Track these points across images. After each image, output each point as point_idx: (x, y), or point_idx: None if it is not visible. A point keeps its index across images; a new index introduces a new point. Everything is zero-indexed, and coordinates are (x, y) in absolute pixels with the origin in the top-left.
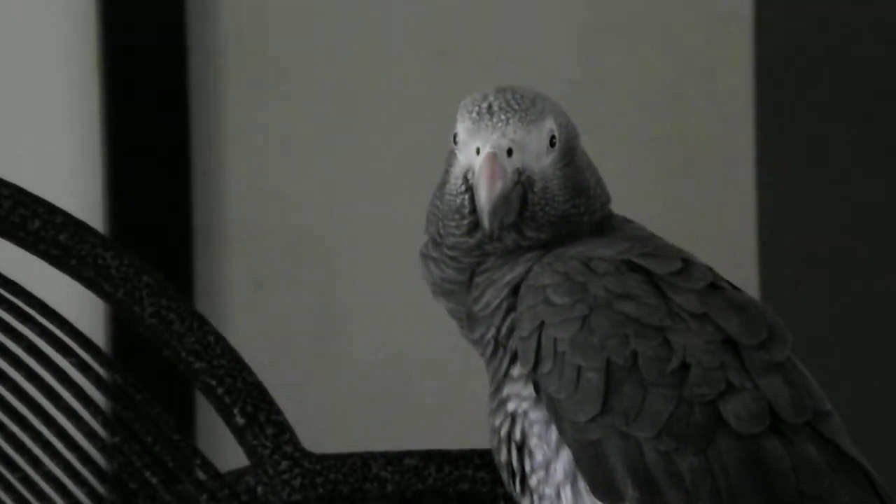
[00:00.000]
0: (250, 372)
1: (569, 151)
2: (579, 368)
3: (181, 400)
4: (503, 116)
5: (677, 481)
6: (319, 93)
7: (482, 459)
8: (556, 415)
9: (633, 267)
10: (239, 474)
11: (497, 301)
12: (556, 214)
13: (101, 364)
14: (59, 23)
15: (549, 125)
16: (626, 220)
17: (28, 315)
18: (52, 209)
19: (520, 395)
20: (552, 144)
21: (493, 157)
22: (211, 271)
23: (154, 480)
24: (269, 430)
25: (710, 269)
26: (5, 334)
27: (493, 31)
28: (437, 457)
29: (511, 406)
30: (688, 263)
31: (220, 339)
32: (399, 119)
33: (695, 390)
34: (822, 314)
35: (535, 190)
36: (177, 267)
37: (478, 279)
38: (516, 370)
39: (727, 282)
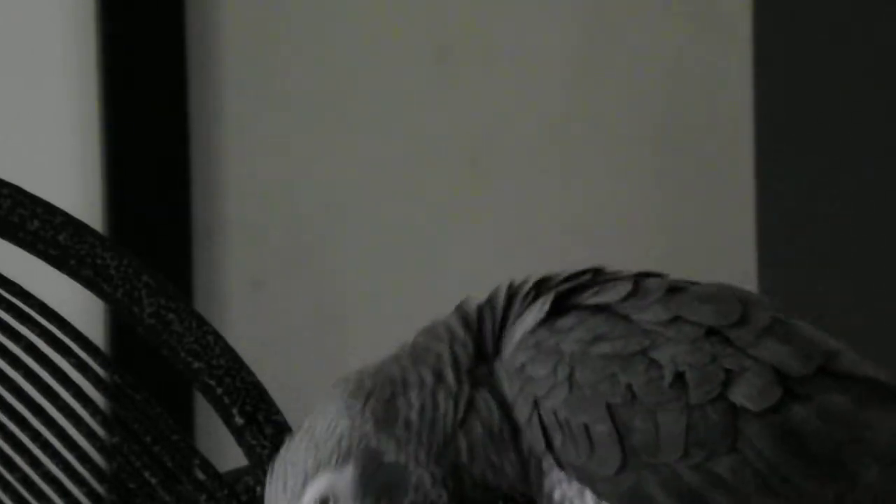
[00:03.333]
0: (249, 372)
1: (365, 490)
2: (586, 427)
3: (180, 400)
4: None
5: (722, 486)
6: (319, 92)
7: None
8: (588, 479)
9: (593, 311)
10: (238, 474)
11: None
12: None
13: (100, 364)
14: (57, 21)
15: (313, 495)
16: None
17: (27, 315)
18: (51, 209)
19: (558, 480)
20: None
21: None
22: (210, 271)
23: (153, 480)
24: (268, 430)
25: (665, 276)
26: (4, 334)
27: (493, 32)
28: None
29: (557, 495)
30: (637, 281)
31: (219, 338)
32: (399, 119)
33: (698, 392)
34: (821, 314)
35: None
36: (176, 267)
37: None
38: (545, 462)
39: (688, 281)
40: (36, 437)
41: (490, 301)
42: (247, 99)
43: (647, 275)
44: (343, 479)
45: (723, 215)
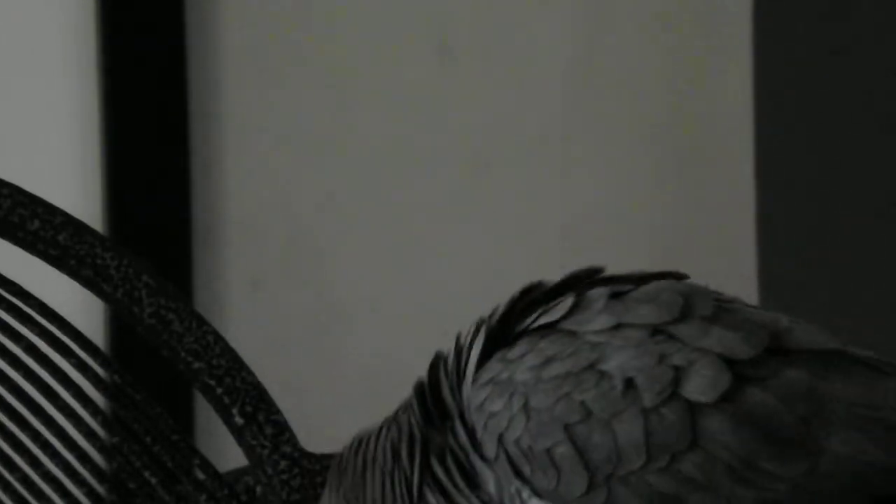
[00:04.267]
0: (249, 372)
1: None
2: (548, 452)
3: (180, 400)
4: None
5: (693, 485)
6: (319, 92)
7: None
8: (563, 503)
9: (542, 333)
10: (238, 474)
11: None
12: None
13: (100, 364)
14: (58, 22)
15: None
16: None
17: (27, 315)
18: (51, 209)
19: None
20: None
21: None
22: (209, 271)
23: (153, 480)
24: (268, 430)
25: (609, 277)
26: (4, 334)
27: (494, 32)
28: None
29: None
30: (580, 293)
31: (218, 338)
32: (399, 118)
33: (650, 395)
34: (821, 315)
35: None
36: (175, 267)
37: None
38: (525, 494)
39: (635, 278)
40: (36, 436)
41: (445, 355)
42: (246, 99)
43: (592, 276)
44: None
45: (723, 216)
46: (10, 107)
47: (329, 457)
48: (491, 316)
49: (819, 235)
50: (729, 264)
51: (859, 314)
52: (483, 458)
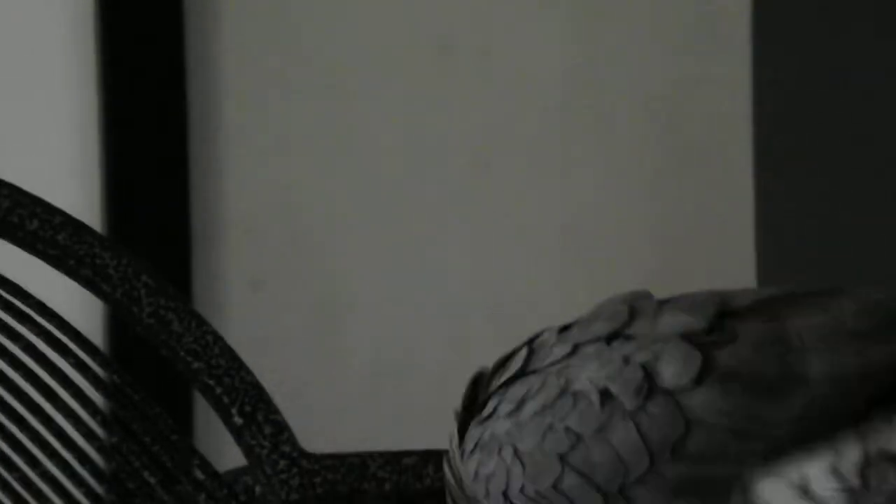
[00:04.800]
0: (248, 371)
1: None
2: (555, 487)
3: (179, 400)
4: None
5: (704, 459)
6: (318, 91)
7: None
8: None
9: (506, 383)
10: (237, 474)
11: None
12: None
13: (100, 364)
14: (57, 22)
15: None
16: None
17: (26, 315)
18: (50, 209)
19: None
20: None
21: None
22: (209, 271)
23: (152, 480)
24: (267, 430)
25: (553, 327)
26: (3, 334)
27: (494, 31)
28: (436, 456)
29: None
30: (531, 342)
31: (218, 338)
32: (399, 117)
33: (628, 399)
34: None
35: None
36: (175, 266)
37: None
38: None
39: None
40: (35, 436)
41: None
42: (246, 99)
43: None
44: None
45: (722, 216)
46: (10, 107)
47: (328, 457)
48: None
49: (818, 237)
50: (728, 265)
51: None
52: None
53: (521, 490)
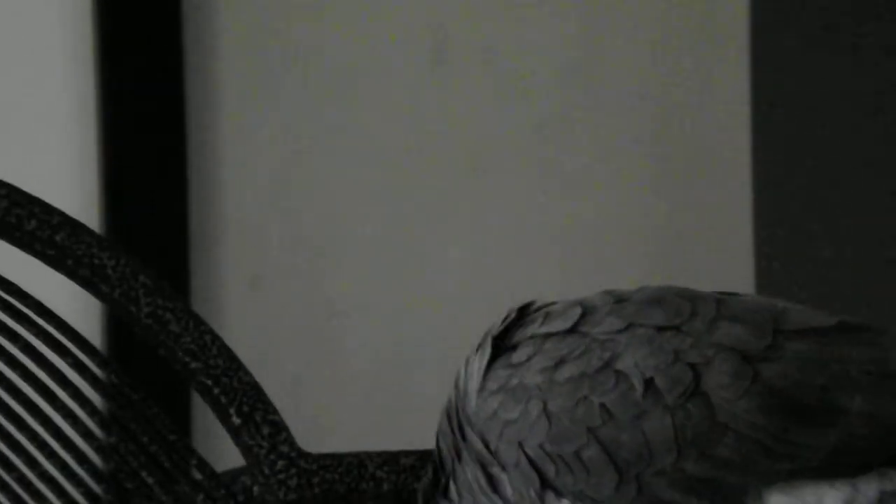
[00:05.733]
0: (246, 372)
1: None
2: (577, 455)
3: (177, 400)
4: None
5: (727, 466)
6: (316, 93)
7: None
8: (591, 500)
9: (544, 337)
10: (235, 474)
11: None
12: None
13: (98, 364)
14: (55, 22)
15: None
16: None
17: (24, 315)
18: (48, 209)
19: None
20: None
21: None
22: (207, 271)
23: (150, 480)
24: (265, 430)
25: (608, 292)
26: (1, 334)
27: (491, 34)
28: None
29: None
30: (583, 304)
31: (216, 338)
32: (397, 120)
33: (672, 397)
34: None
35: None
36: (173, 267)
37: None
38: (549, 497)
39: (633, 290)
40: (33, 436)
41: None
42: (244, 99)
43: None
44: None
45: (720, 219)
46: (9, 107)
47: (326, 457)
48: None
49: (816, 238)
50: (726, 267)
51: (857, 314)
52: (501, 465)
53: (541, 446)
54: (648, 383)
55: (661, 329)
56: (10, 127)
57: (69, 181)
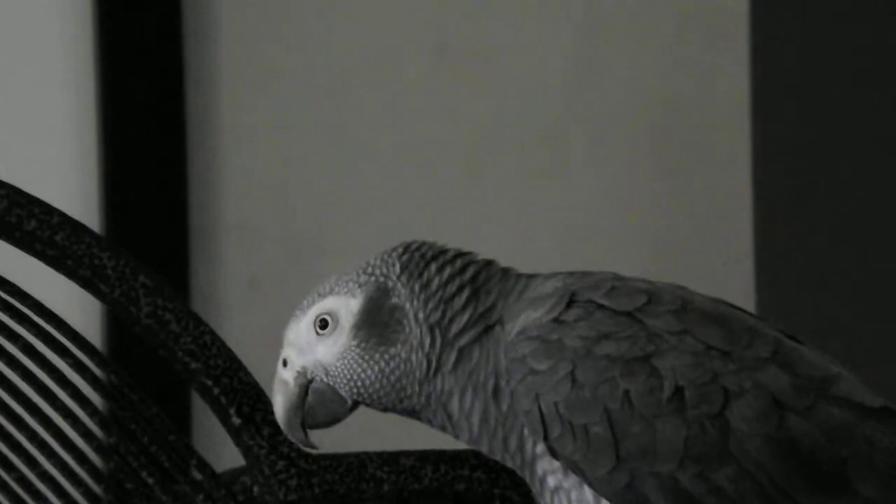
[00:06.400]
0: (246, 372)
1: (365, 319)
2: (585, 427)
3: (177, 400)
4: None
5: (719, 495)
6: (315, 92)
7: (478, 460)
8: (581, 474)
9: (600, 307)
10: (235, 474)
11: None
12: (362, 392)
13: (98, 364)
14: (56, 23)
15: (316, 311)
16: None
17: (24, 315)
18: (48, 209)
19: (552, 469)
20: (323, 327)
21: (278, 369)
22: (207, 271)
23: (150, 480)
24: (266, 431)
25: (681, 288)
26: (1, 334)
27: (491, 32)
28: (434, 457)
29: (551, 482)
30: (651, 294)
31: (216, 338)
32: (396, 117)
33: (697, 410)
34: (818, 316)
35: (315, 387)
36: (173, 267)
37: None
38: (539, 447)
39: (701, 296)
40: (33, 436)
41: (504, 270)
42: (243, 99)
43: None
44: (348, 305)
45: (720, 216)
46: (9, 108)
47: (326, 457)
48: (566, 276)
49: (816, 237)
50: (726, 264)
51: (856, 315)
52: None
53: (555, 404)
54: (678, 390)
55: (710, 347)
56: (10, 127)
57: (70, 182)
